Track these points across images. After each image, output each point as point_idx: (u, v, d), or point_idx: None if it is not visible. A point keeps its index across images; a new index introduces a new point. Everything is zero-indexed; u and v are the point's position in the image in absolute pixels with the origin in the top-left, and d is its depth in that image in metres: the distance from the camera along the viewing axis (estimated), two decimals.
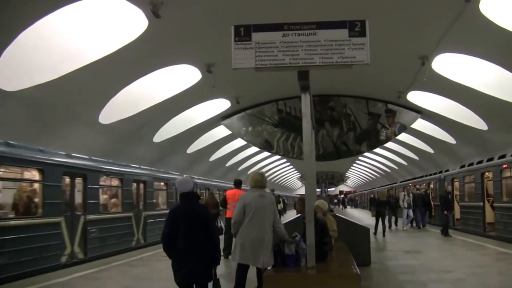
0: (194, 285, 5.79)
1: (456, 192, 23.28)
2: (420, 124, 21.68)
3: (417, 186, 29.15)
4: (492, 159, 18.60)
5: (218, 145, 25.96)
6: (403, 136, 23.87)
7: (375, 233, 19.46)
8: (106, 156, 16.39)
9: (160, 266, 11.58)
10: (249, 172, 36.60)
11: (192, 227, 5.69)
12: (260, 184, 7.29)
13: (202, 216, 5.85)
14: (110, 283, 10.01)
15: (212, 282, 6.01)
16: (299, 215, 8.59)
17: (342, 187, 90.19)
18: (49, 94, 11.64)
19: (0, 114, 11.28)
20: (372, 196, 40.91)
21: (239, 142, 26.57)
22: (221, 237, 12.76)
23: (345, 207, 68.53)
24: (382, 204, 21.43)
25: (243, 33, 6.13)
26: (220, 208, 13.97)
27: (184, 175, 18.62)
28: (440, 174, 26.43)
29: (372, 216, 24.74)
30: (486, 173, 19.19)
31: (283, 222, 8.55)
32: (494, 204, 18.17)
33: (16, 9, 8.46)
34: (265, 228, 6.94)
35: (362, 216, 35.81)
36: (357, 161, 49.11)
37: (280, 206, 34.75)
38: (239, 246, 6.94)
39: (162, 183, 21.00)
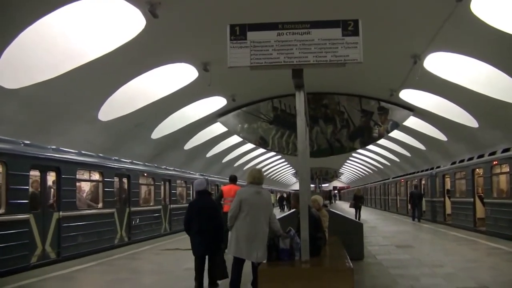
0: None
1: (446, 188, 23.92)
2: (412, 122, 21.93)
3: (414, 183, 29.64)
4: (482, 156, 18.81)
5: (215, 141, 26.13)
6: (395, 133, 24.07)
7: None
8: (106, 153, 16.63)
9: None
10: (245, 168, 36.75)
11: (202, 215, 8.01)
12: (257, 181, 7.31)
13: (210, 208, 8.20)
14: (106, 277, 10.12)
15: (217, 255, 8.13)
16: (293, 210, 8.73)
17: (336, 183, 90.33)
18: (49, 92, 11.79)
19: (0, 111, 11.44)
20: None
21: (235, 139, 26.74)
22: None
23: (331, 202, 69.42)
24: (357, 198, 28.62)
25: (239, 32, 6.18)
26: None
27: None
28: (431, 171, 26.70)
29: (350, 207, 30.68)
30: (477, 169, 19.42)
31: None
32: (485, 200, 18.39)
33: (16, 9, 8.60)
34: (260, 223, 7.01)
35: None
36: (350, 158, 49.29)
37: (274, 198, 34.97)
38: (234, 239, 7.04)
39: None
